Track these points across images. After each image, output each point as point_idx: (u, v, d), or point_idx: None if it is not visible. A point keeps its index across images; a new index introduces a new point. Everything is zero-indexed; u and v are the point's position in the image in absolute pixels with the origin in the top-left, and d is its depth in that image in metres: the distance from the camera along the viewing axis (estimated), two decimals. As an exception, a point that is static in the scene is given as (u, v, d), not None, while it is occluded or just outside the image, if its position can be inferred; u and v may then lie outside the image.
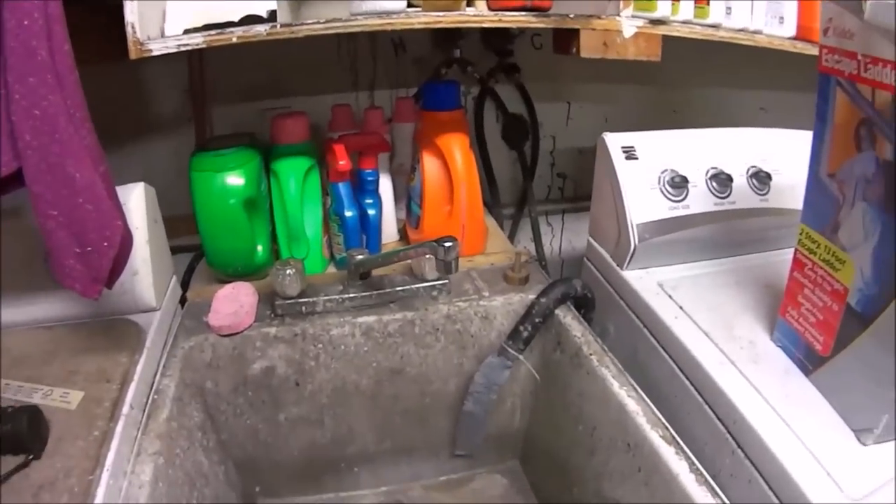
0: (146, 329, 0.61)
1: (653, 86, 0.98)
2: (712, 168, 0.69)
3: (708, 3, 0.69)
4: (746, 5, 0.72)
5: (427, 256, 0.63)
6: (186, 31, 0.58)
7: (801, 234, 0.54)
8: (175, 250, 0.74)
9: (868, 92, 0.45)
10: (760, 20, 0.73)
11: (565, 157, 1.01)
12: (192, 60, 0.77)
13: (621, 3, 0.65)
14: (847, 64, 0.47)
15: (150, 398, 0.55)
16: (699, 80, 0.98)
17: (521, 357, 0.65)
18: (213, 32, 0.57)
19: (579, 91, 0.96)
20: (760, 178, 0.70)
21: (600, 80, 0.94)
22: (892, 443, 0.48)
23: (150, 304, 0.64)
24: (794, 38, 0.74)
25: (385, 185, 0.72)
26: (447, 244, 0.58)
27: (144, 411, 0.53)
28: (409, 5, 0.64)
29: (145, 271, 0.63)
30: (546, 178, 1.03)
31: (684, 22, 0.68)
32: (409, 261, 0.67)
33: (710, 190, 0.68)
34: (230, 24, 0.60)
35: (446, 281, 0.67)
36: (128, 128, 0.79)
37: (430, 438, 0.72)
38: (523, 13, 0.65)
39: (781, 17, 0.74)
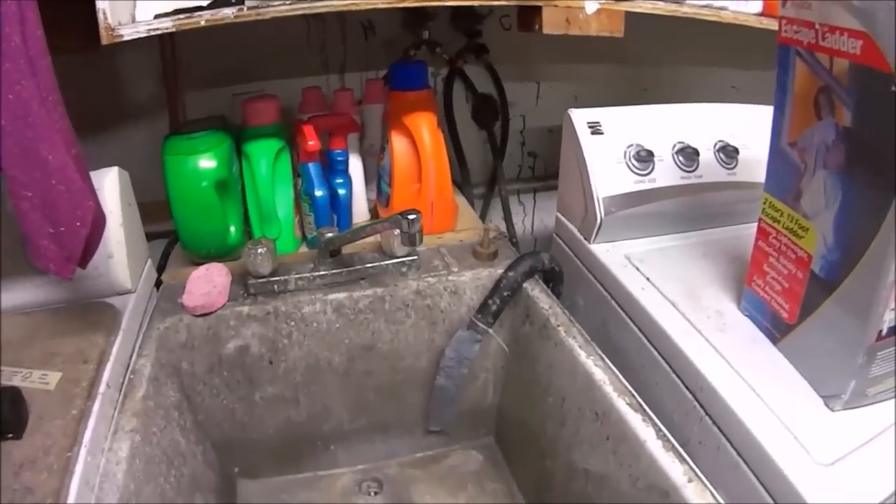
0: (122, 311, 0.66)
1: (623, 64, 1.04)
2: (679, 142, 0.75)
3: (672, -21, 0.74)
4: (712, -20, 0.77)
5: (395, 233, 0.69)
6: (157, 16, 0.63)
7: (764, 203, 0.59)
8: (152, 236, 0.79)
9: (826, 60, 0.49)
10: (726, -5, 0.78)
11: (536, 136, 1.07)
12: (164, 46, 0.83)
13: (584, -21, 0.70)
14: (805, 34, 0.51)
15: (127, 378, 0.59)
16: (670, 58, 1.03)
17: (490, 331, 0.71)
18: (181, 16, 0.62)
19: (549, 71, 1.02)
20: (728, 153, 0.76)
21: (570, 59, 1.00)
22: (861, 408, 0.52)
23: (126, 287, 0.69)
24: (761, 15, 0.79)
25: (355, 165, 0.78)
26: (410, 217, 0.64)
27: (121, 391, 0.58)
28: None
29: (120, 254, 0.67)
30: (517, 157, 1.09)
31: (647, -3, 0.73)
32: (378, 238, 0.72)
33: (676, 164, 0.74)
34: (199, 7, 0.65)
35: (415, 257, 0.72)
36: (104, 115, 0.85)
37: (404, 415, 0.78)
38: (486, -9, 0.70)
39: (746, -9, 0.79)
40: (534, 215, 1.12)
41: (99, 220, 0.55)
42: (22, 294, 0.66)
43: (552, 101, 1.05)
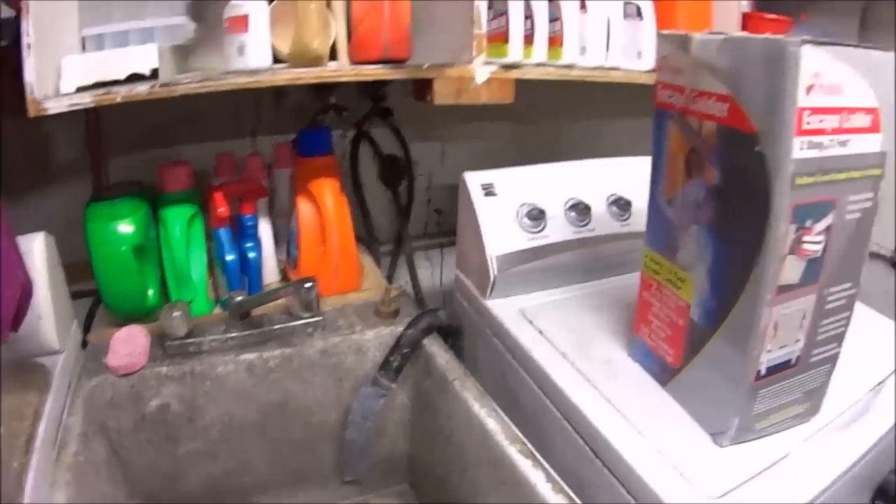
0: (52, 370, 0.72)
1: (525, 122, 1.10)
2: (571, 199, 0.81)
3: (561, 45, 0.80)
4: (602, 44, 0.82)
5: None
6: (79, 89, 0.71)
7: (645, 257, 0.67)
8: (78, 295, 0.86)
9: (696, 123, 0.56)
10: (618, 57, 0.83)
11: (441, 194, 1.18)
12: (88, 113, 0.88)
13: (474, 50, 0.75)
14: (678, 98, 0.57)
15: (59, 434, 0.66)
16: (573, 113, 1.12)
17: (393, 386, 0.76)
18: (100, 92, 0.70)
19: (453, 131, 1.14)
20: (621, 205, 0.82)
21: (473, 118, 1.12)
22: (748, 443, 0.58)
23: (54, 347, 0.74)
24: (652, 71, 0.85)
25: (265, 229, 0.84)
26: (307, 285, 0.69)
27: (55, 446, 0.64)
28: (277, 61, 0.74)
29: (48, 316, 0.73)
30: (423, 214, 1.20)
31: (538, 64, 0.79)
32: (284, 300, 0.77)
33: (568, 219, 0.80)
34: (117, 82, 0.73)
35: (320, 318, 0.78)
36: (31, 178, 0.93)
37: (321, 467, 0.84)
38: (380, 66, 0.75)
39: (640, 52, 0.85)
40: (442, 270, 1.20)
41: (28, 288, 0.61)
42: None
43: (457, 159, 1.16)
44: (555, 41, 0.83)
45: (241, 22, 0.75)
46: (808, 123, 0.47)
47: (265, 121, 1.01)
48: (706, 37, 0.54)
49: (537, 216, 0.81)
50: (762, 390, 0.56)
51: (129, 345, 0.78)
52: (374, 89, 0.97)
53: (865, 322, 0.78)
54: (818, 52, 0.46)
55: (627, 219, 0.85)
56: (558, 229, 0.82)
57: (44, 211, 0.94)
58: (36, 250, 0.75)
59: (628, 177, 0.86)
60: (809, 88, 0.47)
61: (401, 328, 0.80)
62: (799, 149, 0.47)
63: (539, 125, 1.17)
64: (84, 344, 0.84)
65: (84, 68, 0.74)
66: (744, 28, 0.95)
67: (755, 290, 0.52)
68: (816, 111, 0.47)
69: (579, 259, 0.83)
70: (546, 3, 0.81)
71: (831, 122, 0.49)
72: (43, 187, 0.95)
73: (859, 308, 0.85)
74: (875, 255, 1.16)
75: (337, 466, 0.87)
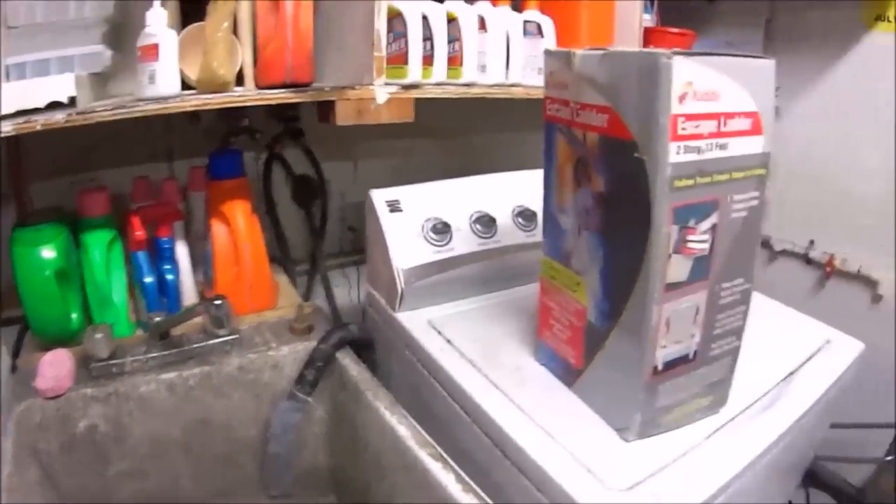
0: None
1: (436, 137, 1.16)
2: (476, 212, 0.86)
3: (461, 64, 0.85)
4: (502, 62, 0.87)
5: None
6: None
7: (544, 263, 0.74)
8: (7, 322, 0.93)
9: (580, 134, 0.61)
10: (518, 73, 0.88)
11: (355, 211, 1.26)
12: (9, 140, 0.91)
13: (374, 72, 0.79)
14: (565, 111, 0.63)
15: None
16: (481, 128, 1.20)
17: (309, 399, 0.80)
18: (20, 120, 0.76)
19: (365, 148, 1.23)
20: (526, 216, 0.88)
21: (383, 136, 1.21)
22: (657, 437, 0.63)
23: None
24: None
25: (181, 251, 0.89)
26: (216, 302, 0.73)
27: None
28: (186, 87, 0.77)
29: None
30: (338, 232, 1.28)
31: (437, 84, 0.83)
32: (201, 319, 0.81)
33: (474, 232, 0.85)
34: (36, 110, 0.79)
35: (236, 336, 0.83)
36: None
37: (246, 482, 0.92)
38: (284, 90, 0.79)
39: (540, 69, 0.89)
40: (359, 287, 1.25)
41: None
42: None
43: (369, 176, 1.25)
44: (454, 61, 0.90)
45: (152, 51, 0.83)
46: (683, 129, 0.52)
47: (181, 145, 1.08)
48: (587, 52, 0.60)
49: (442, 230, 0.87)
50: (661, 385, 0.61)
51: (55, 368, 0.84)
52: (283, 111, 1.02)
53: (778, 315, 0.84)
54: (689, 63, 0.51)
55: (533, 229, 0.91)
56: (464, 242, 0.88)
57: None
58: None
59: (533, 189, 0.93)
60: (683, 97, 0.52)
61: (314, 344, 0.84)
62: (675, 153, 0.52)
63: (449, 140, 1.27)
64: (13, 368, 0.87)
65: (5, 97, 0.80)
66: (646, 42, 1.01)
67: (644, 290, 0.57)
68: (692, 117, 0.53)
69: (486, 270, 0.89)
70: (444, 24, 0.87)
71: (708, 126, 0.54)
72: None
73: (771, 303, 0.91)
74: (789, 253, 1.23)
75: (262, 482, 0.90)
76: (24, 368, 0.86)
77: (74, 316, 0.89)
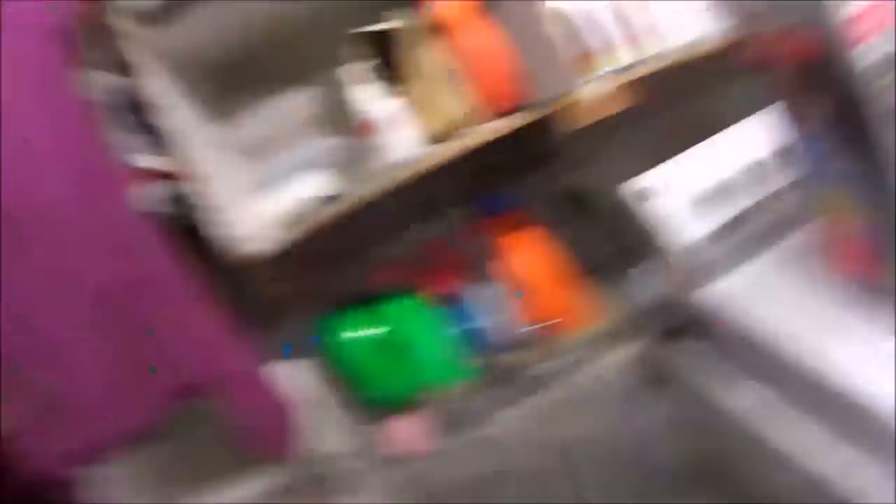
0: None
1: (653, 115, 1.14)
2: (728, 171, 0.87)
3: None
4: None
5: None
6: (272, 226, 0.88)
7: (816, 198, 0.69)
8: None
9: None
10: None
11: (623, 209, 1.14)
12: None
13: (588, 68, 0.90)
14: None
15: None
16: (694, 91, 1.18)
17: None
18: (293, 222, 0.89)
19: (601, 148, 1.16)
20: (776, 158, 0.84)
21: (612, 131, 1.09)
22: None
23: None
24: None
25: (487, 293, 0.98)
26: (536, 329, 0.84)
27: None
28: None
29: None
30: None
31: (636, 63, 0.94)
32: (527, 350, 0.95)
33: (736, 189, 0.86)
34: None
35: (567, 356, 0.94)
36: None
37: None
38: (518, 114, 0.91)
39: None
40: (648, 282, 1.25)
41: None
42: None
43: (617, 169, 1.13)
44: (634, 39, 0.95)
45: (375, 123, 0.90)
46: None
47: (440, 198, 1.11)
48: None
49: (712, 196, 0.85)
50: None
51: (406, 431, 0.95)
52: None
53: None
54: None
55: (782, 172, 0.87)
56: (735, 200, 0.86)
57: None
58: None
59: (758, 135, 0.84)
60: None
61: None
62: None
63: (664, 113, 1.18)
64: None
65: (273, 207, 0.93)
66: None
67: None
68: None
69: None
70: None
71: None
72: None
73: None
74: None
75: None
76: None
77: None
